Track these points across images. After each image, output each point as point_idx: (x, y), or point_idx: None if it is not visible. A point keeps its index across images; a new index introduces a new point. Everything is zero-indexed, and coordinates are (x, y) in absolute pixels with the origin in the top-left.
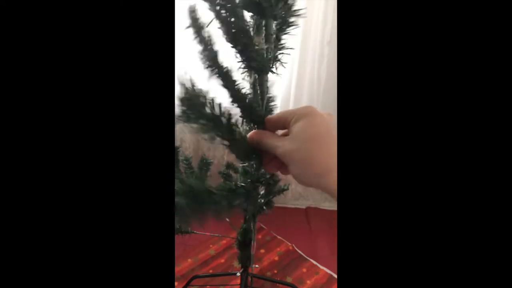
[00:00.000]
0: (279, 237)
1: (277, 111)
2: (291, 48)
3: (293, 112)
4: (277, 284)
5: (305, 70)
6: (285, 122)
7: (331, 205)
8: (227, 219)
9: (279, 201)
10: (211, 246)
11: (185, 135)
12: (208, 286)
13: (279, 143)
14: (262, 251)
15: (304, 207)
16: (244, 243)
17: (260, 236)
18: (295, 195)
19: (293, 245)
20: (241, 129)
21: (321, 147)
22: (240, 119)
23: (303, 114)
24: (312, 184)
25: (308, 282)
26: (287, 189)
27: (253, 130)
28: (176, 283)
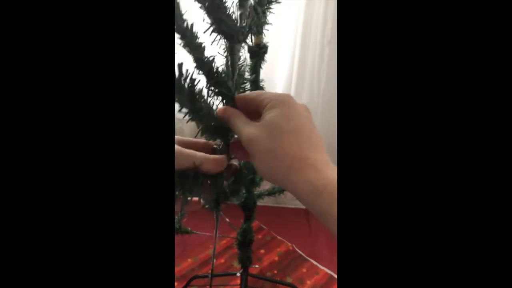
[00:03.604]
0: (279, 237)
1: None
2: (269, 24)
3: (269, 96)
4: (277, 284)
5: (305, 70)
6: (259, 105)
7: None
8: (227, 219)
9: (279, 201)
10: (211, 246)
11: (184, 134)
12: (208, 286)
13: (245, 128)
14: (262, 251)
15: (304, 207)
16: (244, 243)
17: (260, 236)
18: None
19: (293, 245)
20: (208, 100)
21: (291, 142)
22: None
23: (280, 102)
24: (276, 181)
25: (308, 282)
26: None
27: (223, 106)
28: (176, 283)
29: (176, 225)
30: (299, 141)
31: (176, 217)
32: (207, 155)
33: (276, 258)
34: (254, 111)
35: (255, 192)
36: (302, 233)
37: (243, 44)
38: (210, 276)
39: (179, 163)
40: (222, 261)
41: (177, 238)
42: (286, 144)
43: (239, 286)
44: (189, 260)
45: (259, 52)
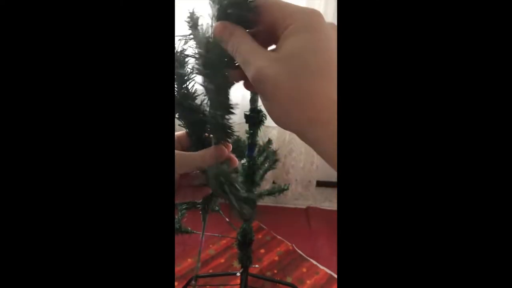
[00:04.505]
0: (279, 237)
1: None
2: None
3: (293, 13)
4: (277, 284)
5: None
6: (276, 22)
7: (331, 205)
8: (227, 219)
9: (279, 201)
10: (211, 246)
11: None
12: (208, 286)
13: (256, 58)
14: (262, 251)
15: (304, 207)
16: (244, 243)
17: (260, 236)
18: (295, 195)
19: (293, 245)
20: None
21: (317, 84)
22: None
23: (307, 25)
24: (294, 131)
25: (308, 282)
26: (287, 189)
27: (223, 22)
28: (176, 283)
29: (176, 225)
30: (327, 83)
31: (176, 217)
32: (205, 150)
33: (276, 258)
34: (267, 28)
35: (255, 192)
36: (302, 233)
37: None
38: (195, 277)
39: (186, 167)
40: (222, 261)
41: (177, 238)
42: (312, 87)
43: (239, 286)
44: (189, 260)
45: (256, 118)
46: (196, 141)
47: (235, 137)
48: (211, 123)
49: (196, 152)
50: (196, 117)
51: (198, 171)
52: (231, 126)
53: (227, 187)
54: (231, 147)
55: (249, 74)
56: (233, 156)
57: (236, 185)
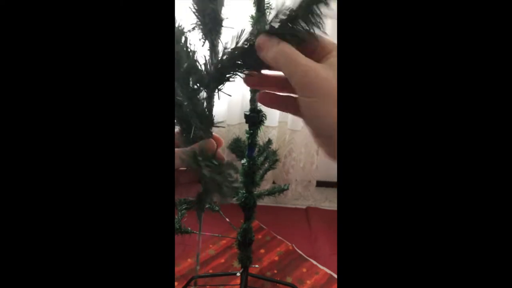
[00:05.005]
0: (279, 237)
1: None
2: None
3: (332, 44)
4: (277, 284)
5: None
6: (319, 46)
7: (331, 205)
8: (227, 219)
9: (279, 201)
10: (211, 246)
11: None
12: (208, 286)
13: (307, 61)
14: (262, 251)
15: (304, 207)
16: (244, 243)
17: (260, 236)
18: (295, 195)
19: (293, 245)
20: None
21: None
22: None
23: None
24: (330, 132)
25: (308, 282)
26: (287, 189)
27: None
28: (176, 283)
29: (176, 225)
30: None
31: (176, 217)
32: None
33: (276, 258)
34: (307, 50)
35: (255, 192)
36: (302, 233)
37: None
38: (196, 277)
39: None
40: (222, 261)
41: (177, 238)
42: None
43: (239, 286)
44: (189, 260)
45: (256, 118)
46: (186, 138)
47: (214, 123)
48: (191, 114)
49: (180, 149)
50: (181, 112)
51: (190, 168)
52: (209, 114)
53: (202, 161)
54: (222, 142)
55: (297, 71)
56: (219, 151)
57: (212, 160)
